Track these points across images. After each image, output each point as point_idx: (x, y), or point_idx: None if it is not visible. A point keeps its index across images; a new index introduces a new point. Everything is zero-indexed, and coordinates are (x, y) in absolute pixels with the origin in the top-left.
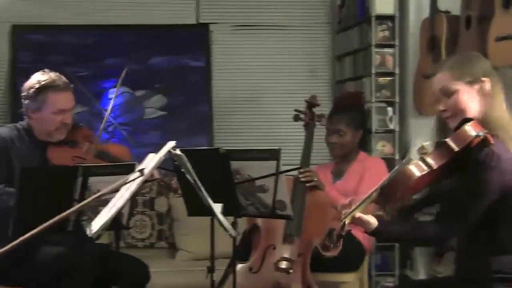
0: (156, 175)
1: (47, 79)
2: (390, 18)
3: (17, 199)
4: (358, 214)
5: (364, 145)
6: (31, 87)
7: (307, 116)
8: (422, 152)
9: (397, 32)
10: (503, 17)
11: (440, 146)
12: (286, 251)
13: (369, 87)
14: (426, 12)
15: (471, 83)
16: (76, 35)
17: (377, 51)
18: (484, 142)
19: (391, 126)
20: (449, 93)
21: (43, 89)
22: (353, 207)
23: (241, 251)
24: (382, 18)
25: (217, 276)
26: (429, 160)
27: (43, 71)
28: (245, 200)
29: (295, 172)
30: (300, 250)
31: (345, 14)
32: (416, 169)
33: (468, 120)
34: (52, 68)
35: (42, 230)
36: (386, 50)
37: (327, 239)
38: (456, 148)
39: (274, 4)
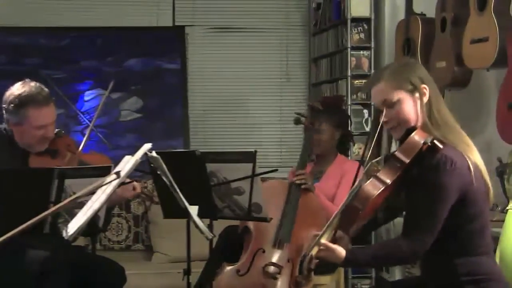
0: (138, 189)
1: (27, 94)
2: (366, 20)
3: None
4: (322, 241)
5: (345, 150)
6: (11, 102)
7: (308, 120)
8: (374, 170)
9: (373, 34)
10: (478, 20)
11: (391, 160)
12: (275, 256)
13: (345, 89)
14: (401, 15)
15: (411, 91)
16: (52, 37)
17: (352, 54)
18: (433, 148)
19: (367, 129)
20: (390, 104)
21: (23, 104)
22: (316, 239)
23: (231, 252)
24: (357, 21)
25: (193, 278)
26: (382, 177)
27: (23, 81)
28: (221, 203)
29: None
30: (290, 255)
31: (321, 17)
32: (372, 188)
33: (412, 129)
34: (28, 71)
35: (18, 233)
36: (361, 52)
37: (298, 274)
38: (406, 160)
39: (251, 7)
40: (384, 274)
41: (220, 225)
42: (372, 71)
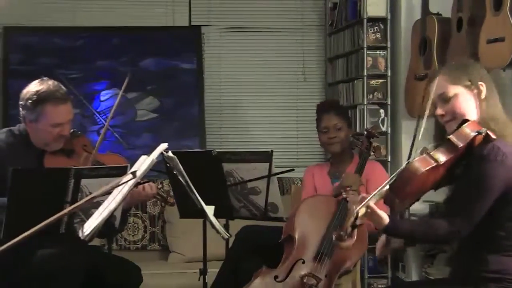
0: (154, 189)
1: (45, 90)
2: (382, 20)
3: (8, 201)
4: (371, 204)
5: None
6: (29, 98)
7: (364, 144)
8: (426, 151)
9: (389, 34)
10: (494, 20)
11: (444, 143)
12: (314, 269)
13: (361, 89)
14: (417, 14)
15: (469, 87)
16: (68, 37)
17: (369, 53)
18: (486, 139)
19: (383, 128)
20: (447, 98)
21: (41, 101)
22: (364, 200)
23: (252, 252)
24: (374, 20)
25: (209, 278)
26: (435, 155)
27: (41, 79)
28: (238, 202)
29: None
30: (328, 271)
31: (337, 17)
32: (423, 164)
33: (467, 120)
34: (43, 71)
35: (34, 233)
36: (378, 52)
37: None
38: (460, 144)
39: (267, 7)
40: (400, 274)
41: (237, 225)
42: (389, 71)
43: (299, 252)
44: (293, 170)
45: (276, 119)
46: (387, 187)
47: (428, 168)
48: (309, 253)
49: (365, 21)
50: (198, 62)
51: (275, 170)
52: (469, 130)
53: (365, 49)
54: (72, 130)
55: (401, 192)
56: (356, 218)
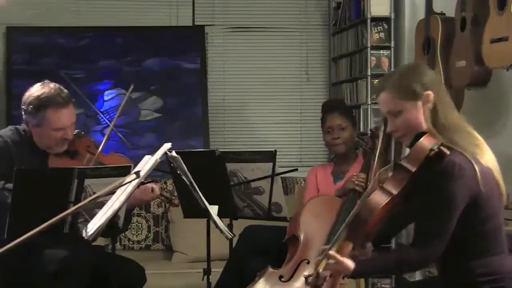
0: (157, 191)
1: (47, 95)
2: (386, 20)
3: (12, 201)
4: (331, 252)
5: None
6: (30, 103)
7: (368, 144)
8: (382, 178)
9: (393, 33)
10: (498, 19)
11: (397, 169)
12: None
13: (365, 89)
14: (421, 14)
15: (414, 99)
16: (71, 37)
17: (372, 53)
18: (441, 155)
19: None
20: (395, 113)
21: (43, 106)
22: (323, 253)
23: (257, 252)
24: (377, 20)
25: (213, 278)
26: (388, 187)
27: (43, 82)
28: (241, 202)
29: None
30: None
31: (341, 16)
32: (378, 200)
33: (421, 134)
34: (47, 71)
35: (38, 232)
36: (381, 52)
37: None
38: (412, 169)
39: (270, 6)
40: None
41: (240, 224)
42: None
43: (303, 252)
44: (296, 169)
45: (280, 118)
46: (347, 228)
47: (383, 204)
48: (314, 253)
49: (368, 20)
50: (202, 62)
51: (278, 169)
52: (422, 147)
53: (368, 48)
54: (76, 131)
55: (362, 230)
56: (317, 276)
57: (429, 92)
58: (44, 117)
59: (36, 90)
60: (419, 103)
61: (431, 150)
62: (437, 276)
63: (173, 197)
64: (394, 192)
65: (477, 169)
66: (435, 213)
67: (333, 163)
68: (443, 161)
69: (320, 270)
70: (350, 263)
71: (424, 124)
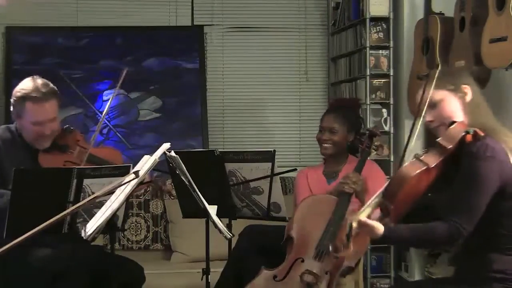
0: (147, 177)
1: (29, 89)
2: (385, 19)
3: (11, 201)
4: (363, 218)
5: (355, 153)
6: (14, 95)
7: (365, 143)
8: (416, 156)
9: (392, 33)
10: (497, 19)
11: (433, 146)
12: (314, 267)
13: (364, 89)
14: (420, 14)
15: (453, 91)
16: (71, 37)
17: (371, 53)
18: (475, 137)
19: (386, 128)
20: (433, 104)
21: (22, 98)
22: (358, 212)
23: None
24: (376, 20)
25: (212, 278)
26: (425, 159)
27: (32, 77)
28: (240, 202)
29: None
30: (329, 268)
31: (340, 16)
32: (413, 168)
33: (454, 122)
34: (47, 70)
35: (36, 232)
36: (380, 51)
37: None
38: (448, 145)
39: (269, 6)
40: (403, 273)
41: (240, 224)
42: (391, 70)
43: (298, 251)
44: (295, 169)
45: (279, 118)
46: (381, 195)
47: (418, 172)
48: (308, 252)
49: (367, 20)
50: (201, 62)
51: (277, 169)
52: (456, 131)
53: (367, 48)
54: (65, 126)
55: (394, 198)
56: (350, 229)
57: (467, 87)
58: (23, 110)
59: (23, 83)
60: (458, 95)
61: (467, 132)
62: (439, 278)
63: (161, 184)
64: (430, 163)
65: (511, 157)
66: (465, 190)
67: (324, 164)
68: (477, 143)
69: (353, 225)
70: (379, 226)
71: (460, 116)
